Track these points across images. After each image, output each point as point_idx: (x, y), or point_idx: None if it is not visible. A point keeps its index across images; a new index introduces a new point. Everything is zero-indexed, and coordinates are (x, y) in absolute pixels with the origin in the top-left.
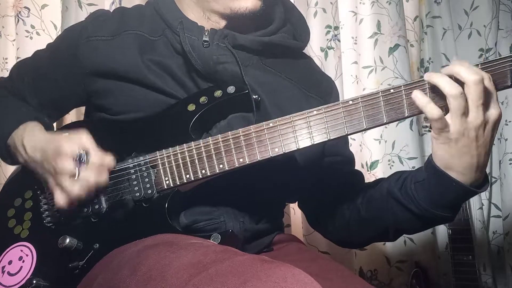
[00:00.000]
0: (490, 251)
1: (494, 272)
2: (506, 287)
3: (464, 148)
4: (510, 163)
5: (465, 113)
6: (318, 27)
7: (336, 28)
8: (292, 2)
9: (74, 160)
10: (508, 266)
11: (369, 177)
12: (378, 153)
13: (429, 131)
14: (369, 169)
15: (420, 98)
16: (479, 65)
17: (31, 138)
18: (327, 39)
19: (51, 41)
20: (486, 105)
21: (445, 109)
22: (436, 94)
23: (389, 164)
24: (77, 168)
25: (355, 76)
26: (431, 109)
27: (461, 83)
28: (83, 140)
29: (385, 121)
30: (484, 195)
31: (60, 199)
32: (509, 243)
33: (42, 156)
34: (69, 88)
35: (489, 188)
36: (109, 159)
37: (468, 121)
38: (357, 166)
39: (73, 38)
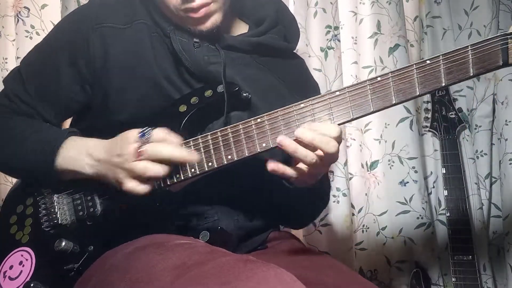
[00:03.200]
0: (490, 251)
1: (494, 272)
2: (506, 287)
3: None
4: (510, 163)
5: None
6: (318, 27)
7: (336, 28)
8: (292, 2)
9: (138, 139)
10: (508, 266)
11: (369, 177)
12: (378, 153)
13: (429, 131)
14: (369, 169)
15: (277, 168)
16: (469, 46)
17: (94, 145)
18: (327, 39)
19: None
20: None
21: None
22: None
23: (389, 164)
24: (141, 145)
25: (355, 76)
26: (288, 172)
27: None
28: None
29: (372, 109)
30: (484, 195)
31: (135, 187)
32: (509, 243)
33: (110, 152)
34: (83, 80)
35: (489, 188)
36: (173, 135)
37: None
38: (357, 166)
39: (82, 24)
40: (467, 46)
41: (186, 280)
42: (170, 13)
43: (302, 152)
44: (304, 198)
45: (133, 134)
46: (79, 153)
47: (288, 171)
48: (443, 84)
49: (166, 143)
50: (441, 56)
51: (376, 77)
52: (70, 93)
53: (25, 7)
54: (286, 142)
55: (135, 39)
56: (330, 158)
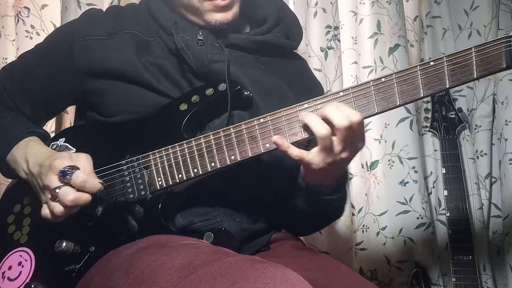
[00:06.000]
0: (490, 251)
1: (494, 272)
2: (506, 287)
3: (325, 171)
4: (510, 163)
5: (331, 148)
6: (318, 27)
7: (336, 28)
8: (292, 2)
9: (57, 176)
10: (508, 266)
11: (369, 177)
12: (378, 153)
13: (429, 131)
14: (369, 169)
15: (281, 144)
16: (473, 48)
17: (34, 153)
18: (327, 39)
19: None
20: (353, 142)
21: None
22: (307, 129)
23: (389, 164)
24: (57, 184)
25: (355, 76)
26: (292, 152)
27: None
28: (79, 159)
29: (376, 110)
30: (484, 195)
31: (43, 213)
32: (509, 243)
33: (38, 171)
34: (63, 88)
35: (489, 188)
36: (95, 181)
37: (333, 154)
38: (357, 166)
39: (66, 38)
40: (471, 47)
41: (193, 280)
42: (185, 6)
43: (294, 150)
44: (315, 202)
45: (59, 164)
46: (20, 156)
47: (293, 149)
48: (447, 86)
49: (78, 190)
50: (444, 57)
51: (380, 78)
52: (49, 96)
53: (25, 7)
54: (279, 141)
55: (118, 47)
56: (343, 144)
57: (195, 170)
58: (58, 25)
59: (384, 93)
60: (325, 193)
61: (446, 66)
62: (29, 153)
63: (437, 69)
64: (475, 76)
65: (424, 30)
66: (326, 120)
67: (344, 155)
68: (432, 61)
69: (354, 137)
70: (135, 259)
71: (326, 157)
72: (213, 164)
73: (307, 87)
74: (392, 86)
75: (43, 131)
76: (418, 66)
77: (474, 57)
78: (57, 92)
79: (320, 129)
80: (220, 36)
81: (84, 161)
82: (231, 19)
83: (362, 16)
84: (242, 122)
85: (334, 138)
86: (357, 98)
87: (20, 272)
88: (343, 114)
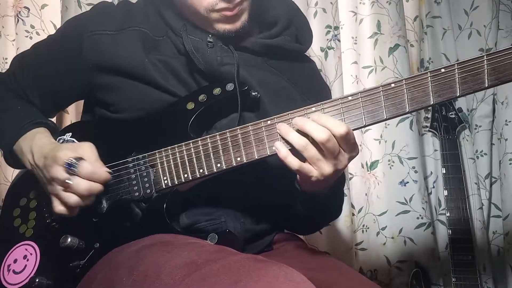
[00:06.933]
0: (490, 251)
1: (494, 272)
2: (506, 287)
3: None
4: (510, 163)
5: (318, 160)
6: (318, 27)
7: (336, 28)
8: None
9: (64, 168)
10: (508, 266)
11: (369, 177)
12: (378, 153)
13: (429, 131)
14: (369, 169)
15: (281, 151)
16: (485, 56)
17: (40, 145)
18: (327, 39)
19: None
20: (336, 155)
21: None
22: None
23: (389, 164)
24: (66, 176)
25: (355, 76)
26: (291, 161)
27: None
28: (83, 149)
29: (385, 116)
30: (484, 195)
31: (54, 206)
32: (509, 243)
33: (43, 163)
34: (71, 81)
35: (489, 188)
36: (102, 171)
37: (321, 167)
38: (357, 166)
39: (76, 32)
40: (483, 55)
41: (196, 278)
42: (193, 15)
43: (292, 160)
44: (312, 206)
45: (63, 155)
46: (26, 148)
47: (291, 158)
48: (458, 94)
49: (89, 180)
50: (456, 65)
51: (390, 84)
52: (57, 88)
53: (25, 7)
54: (279, 147)
55: (127, 44)
56: (330, 154)
57: (201, 170)
58: (58, 25)
59: (393, 99)
60: (321, 198)
61: (457, 74)
62: (35, 146)
63: (448, 77)
64: (487, 85)
65: (424, 30)
66: (305, 134)
67: (335, 167)
68: (443, 68)
69: (341, 148)
70: (140, 257)
71: (314, 169)
72: (218, 165)
73: (315, 91)
74: (402, 93)
75: (51, 123)
76: (429, 73)
77: (486, 65)
78: (65, 84)
79: (297, 142)
80: (230, 39)
81: (87, 150)
82: (239, 27)
83: (362, 16)
84: (249, 124)
85: (318, 151)
86: (365, 104)
87: (25, 265)
88: (321, 128)
